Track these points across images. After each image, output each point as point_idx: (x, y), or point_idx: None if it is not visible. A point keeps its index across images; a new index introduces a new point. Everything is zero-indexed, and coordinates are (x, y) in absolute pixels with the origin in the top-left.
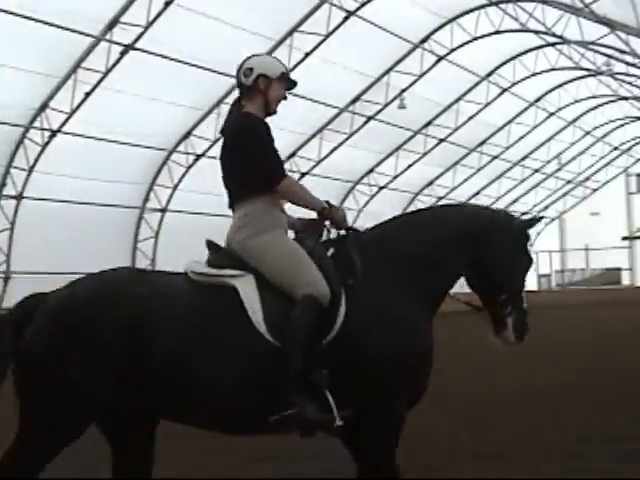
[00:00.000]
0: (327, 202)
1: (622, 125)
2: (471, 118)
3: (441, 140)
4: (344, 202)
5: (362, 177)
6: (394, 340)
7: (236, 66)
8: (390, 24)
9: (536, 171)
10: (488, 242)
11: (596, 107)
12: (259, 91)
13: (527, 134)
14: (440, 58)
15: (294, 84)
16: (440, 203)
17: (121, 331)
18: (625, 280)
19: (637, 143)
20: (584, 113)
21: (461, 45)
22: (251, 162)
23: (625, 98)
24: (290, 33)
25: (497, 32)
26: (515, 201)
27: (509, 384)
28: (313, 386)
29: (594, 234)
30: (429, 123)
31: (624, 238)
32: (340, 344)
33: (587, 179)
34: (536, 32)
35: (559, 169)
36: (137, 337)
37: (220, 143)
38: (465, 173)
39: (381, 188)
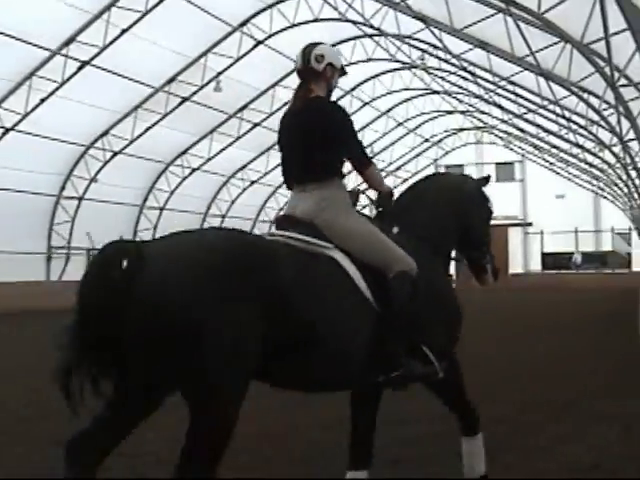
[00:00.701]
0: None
1: (433, 118)
2: (286, 104)
3: (256, 124)
4: (156, 183)
5: (175, 158)
6: (447, 302)
7: (51, 39)
8: (210, 5)
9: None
10: (468, 206)
11: (409, 99)
12: (325, 78)
13: None
14: (258, 42)
15: (345, 74)
16: (252, 187)
17: (267, 287)
18: None
19: (447, 136)
20: (397, 104)
21: (280, 31)
22: (341, 146)
23: (437, 92)
24: (108, 8)
25: (316, 20)
26: None
27: None
28: (411, 345)
29: None
30: (244, 107)
31: None
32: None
33: (398, 169)
34: (354, 22)
35: (371, 158)
36: (278, 294)
37: (283, 122)
38: (279, 158)
39: (194, 170)
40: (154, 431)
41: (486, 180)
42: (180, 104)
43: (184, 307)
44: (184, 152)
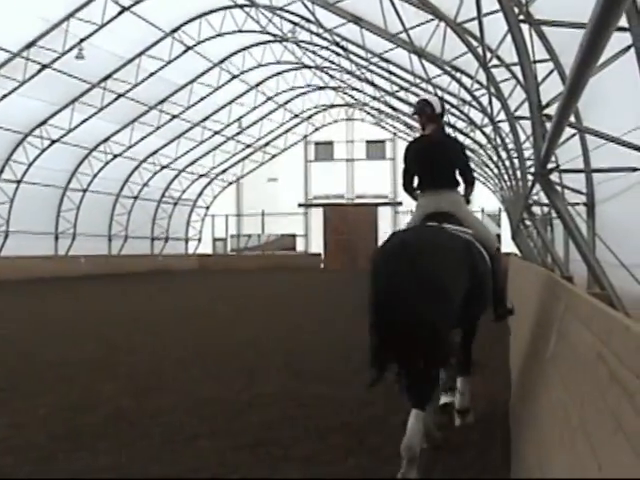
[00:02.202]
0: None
1: (304, 93)
2: (152, 74)
3: (120, 95)
4: (13, 155)
5: (34, 129)
6: None
7: None
8: None
9: (216, 133)
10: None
11: (280, 73)
12: (441, 121)
13: (209, 95)
14: (124, 9)
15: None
16: (115, 161)
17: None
18: (300, 246)
19: (317, 112)
20: (268, 78)
21: None
22: (463, 166)
23: (309, 67)
24: None
25: None
26: (193, 162)
27: (175, 351)
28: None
29: (271, 200)
30: (108, 76)
31: (300, 205)
32: None
33: (267, 144)
34: None
35: (239, 133)
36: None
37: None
38: (143, 131)
39: (54, 142)
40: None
41: None
42: (39, 71)
43: (447, 275)
44: (43, 122)
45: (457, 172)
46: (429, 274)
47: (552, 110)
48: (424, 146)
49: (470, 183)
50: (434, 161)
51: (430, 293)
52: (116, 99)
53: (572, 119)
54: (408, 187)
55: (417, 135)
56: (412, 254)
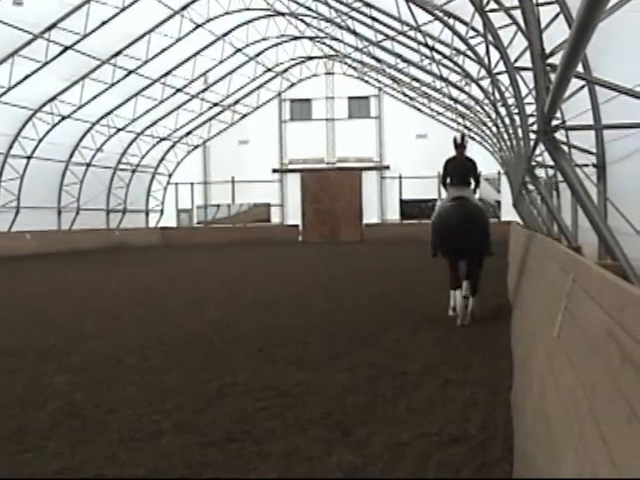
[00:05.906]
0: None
1: (278, 44)
2: (104, 23)
3: (67, 47)
4: None
5: None
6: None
7: None
8: None
9: (178, 90)
10: None
11: (249, 21)
12: (465, 148)
13: (170, 47)
14: None
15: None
16: (64, 123)
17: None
18: (275, 217)
19: (293, 65)
20: (236, 27)
21: None
22: (474, 175)
23: (282, 14)
24: None
25: None
26: (153, 124)
27: (134, 337)
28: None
29: (242, 165)
30: (53, 26)
31: (275, 171)
32: None
33: (236, 102)
34: None
35: (205, 89)
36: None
37: None
38: (95, 89)
39: None
40: None
41: None
42: None
43: (487, 225)
44: None
45: (471, 177)
46: (479, 217)
47: (557, 59)
48: (455, 163)
49: (477, 183)
50: (460, 171)
51: (481, 223)
52: (63, 52)
53: (580, 69)
54: (445, 183)
55: (450, 155)
56: (467, 210)
